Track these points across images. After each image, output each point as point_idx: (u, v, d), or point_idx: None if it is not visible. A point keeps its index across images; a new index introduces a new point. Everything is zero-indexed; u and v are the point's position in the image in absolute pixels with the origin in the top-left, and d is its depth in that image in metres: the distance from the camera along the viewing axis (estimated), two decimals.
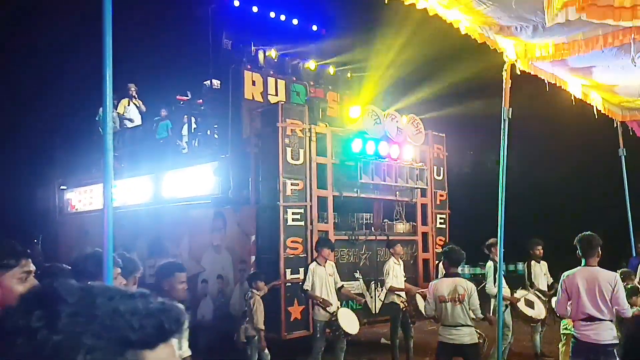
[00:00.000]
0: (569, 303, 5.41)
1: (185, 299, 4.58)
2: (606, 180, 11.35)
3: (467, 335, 5.79)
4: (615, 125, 8.48)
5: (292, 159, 8.63)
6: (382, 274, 8.61)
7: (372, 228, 9.87)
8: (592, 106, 7.35)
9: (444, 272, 6.29)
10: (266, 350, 7.44)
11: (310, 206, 8.75)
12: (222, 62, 10.43)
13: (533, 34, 5.23)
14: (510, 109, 5.97)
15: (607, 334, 5.20)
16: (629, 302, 5.49)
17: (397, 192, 10.10)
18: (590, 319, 5.21)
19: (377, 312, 9.33)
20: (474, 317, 5.97)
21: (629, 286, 6.14)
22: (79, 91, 15.36)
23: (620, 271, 6.36)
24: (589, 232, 5.41)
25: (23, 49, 18.37)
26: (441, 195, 10.92)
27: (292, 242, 8.52)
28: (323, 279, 7.47)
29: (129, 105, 13.08)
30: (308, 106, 9.40)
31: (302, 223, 8.64)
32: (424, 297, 7.21)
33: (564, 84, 6.65)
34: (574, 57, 5.68)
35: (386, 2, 4.54)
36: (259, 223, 8.88)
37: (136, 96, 13.19)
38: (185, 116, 11.29)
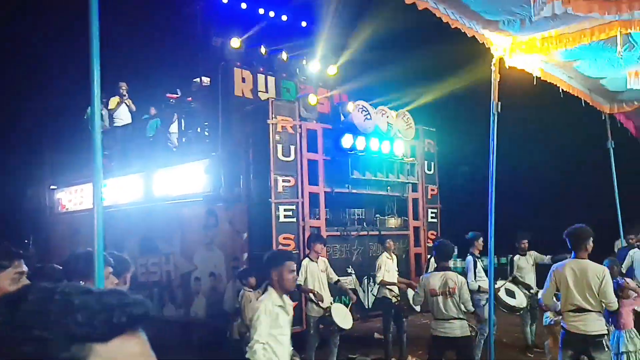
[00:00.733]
0: (554, 295, 5.46)
1: (294, 290, 4.39)
2: (595, 173, 11.43)
3: (459, 328, 5.84)
4: (603, 117, 8.55)
5: (283, 155, 8.64)
6: (375, 269, 8.65)
7: (364, 223, 9.90)
8: (580, 99, 7.40)
9: (435, 266, 6.34)
10: None
11: (302, 202, 8.77)
12: (211, 60, 10.41)
13: (520, 28, 5.27)
14: (500, 103, 6.01)
15: (596, 324, 5.24)
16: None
17: (389, 187, 10.14)
18: (579, 310, 5.25)
19: (369, 307, 9.37)
20: (465, 310, 6.02)
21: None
22: (67, 90, 15.25)
23: (609, 259, 6.41)
24: (578, 225, 5.44)
25: (11, 47, 18.21)
26: (432, 190, 10.96)
27: (284, 238, 8.53)
28: (315, 274, 7.50)
29: (120, 104, 12.98)
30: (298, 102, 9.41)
31: (294, 219, 8.66)
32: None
33: (551, 78, 6.69)
34: (561, 51, 5.72)
35: None
36: (251, 220, 8.88)
37: (127, 95, 13.13)
38: (175, 114, 11.25)
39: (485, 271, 7.95)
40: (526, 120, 15.46)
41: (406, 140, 9.95)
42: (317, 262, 7.57)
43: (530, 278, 8.50)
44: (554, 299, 5.78)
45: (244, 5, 11.15)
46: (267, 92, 10.41)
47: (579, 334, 5.25)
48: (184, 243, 10.12)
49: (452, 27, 5.31)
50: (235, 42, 10.24)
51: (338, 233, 9.32)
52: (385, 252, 8.62)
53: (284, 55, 11.19)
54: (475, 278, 7.77)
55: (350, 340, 8.74)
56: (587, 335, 5.23)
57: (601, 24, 4.99)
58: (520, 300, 7.83)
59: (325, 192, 9.12)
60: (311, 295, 7.46)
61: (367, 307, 9.37)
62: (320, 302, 7.42)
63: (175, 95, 11.91)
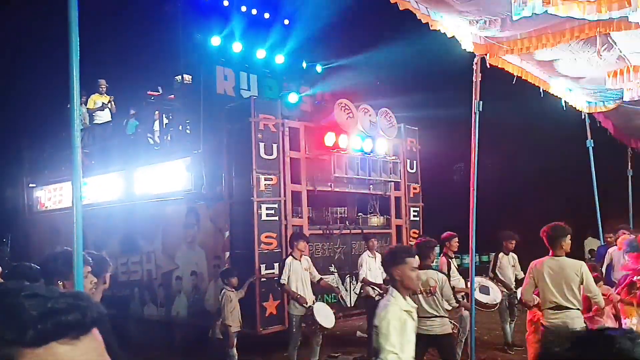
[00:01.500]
0: (535, 290, 5.50)
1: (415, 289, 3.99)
2: (575, 171, 11.57)
3: (440, 326, 5.87)
4: (582, 117, 8.66)
5: (265, 154, 8.60)
6: (357, 268, 8.66)
7: (347, 222, 9.90)
8: (560, 98, 7.49)
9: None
10: (234, 349, 7.38)
11: (284, 201, 8.74)
12: (193, 57, 10.34)
13: (501, 28, 5.31)
14: (481, 101, 6.05)
15: (575, 322, 5.28)
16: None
17: (371, 186, 10.16)
18: (558, 307, 5.30)
19: (352, 305, 9.39)
20: (448, 307, 6.05)
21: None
22: (46, 87, 15.03)
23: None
24: (554, 223, 5.47)
25: None
26: (414, 188, 11.00)
27: (266, 237, 8.50)
28: (299, 273, 7.49)
29: (102, 109, 12.80)
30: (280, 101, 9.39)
31: (276, 218, 8.63)
32: None
33: (531, 78, 6.76)
34: (542, 51, 5.78)
35: None
36: (233, 219, 8.84)
37: (105, 93, 12.97)
38: (157, 112, 11.15)
39: (459, 271, 7.99)
40: (507, 119, 15.59)
41: (389, 139, 9.98)
42: (300, 261, 7.56)
43: (510, 276, 8.55)
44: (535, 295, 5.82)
45: (225, 3, 11.08)
46: (249, 90, 10.36)
47: None
48: (166, 242, 10.05)
49: (432, 28, 5.33)
50: (216, 40, 10.18)
51: (320, 231, 9.31)
52: (368, 250, 8.64)
53: (263, 53, 11.15)
54: (449, 279, 7.80)
55: (333, 339, 8.75)
56: None
57: (581, 24, 5.05)
58: (494, 296, 7.85)
59: (307, 190, 9.11)
60: (295, 296, 7.44)
61: (349, 305, 9.38)
62: (303, 303, 7.40)
63: (156, 93, 11.81)
